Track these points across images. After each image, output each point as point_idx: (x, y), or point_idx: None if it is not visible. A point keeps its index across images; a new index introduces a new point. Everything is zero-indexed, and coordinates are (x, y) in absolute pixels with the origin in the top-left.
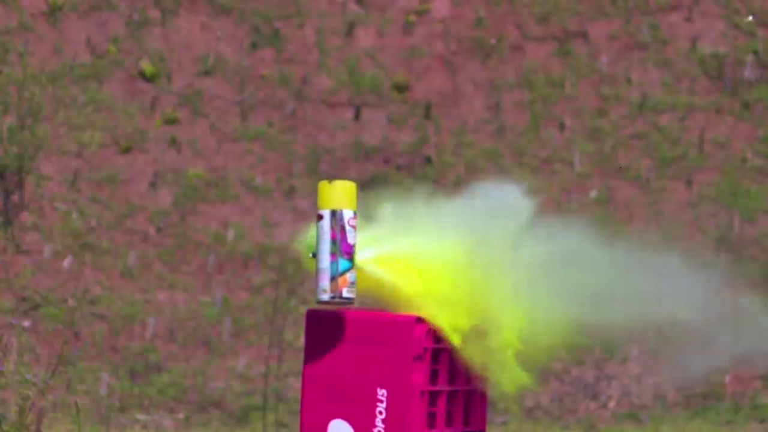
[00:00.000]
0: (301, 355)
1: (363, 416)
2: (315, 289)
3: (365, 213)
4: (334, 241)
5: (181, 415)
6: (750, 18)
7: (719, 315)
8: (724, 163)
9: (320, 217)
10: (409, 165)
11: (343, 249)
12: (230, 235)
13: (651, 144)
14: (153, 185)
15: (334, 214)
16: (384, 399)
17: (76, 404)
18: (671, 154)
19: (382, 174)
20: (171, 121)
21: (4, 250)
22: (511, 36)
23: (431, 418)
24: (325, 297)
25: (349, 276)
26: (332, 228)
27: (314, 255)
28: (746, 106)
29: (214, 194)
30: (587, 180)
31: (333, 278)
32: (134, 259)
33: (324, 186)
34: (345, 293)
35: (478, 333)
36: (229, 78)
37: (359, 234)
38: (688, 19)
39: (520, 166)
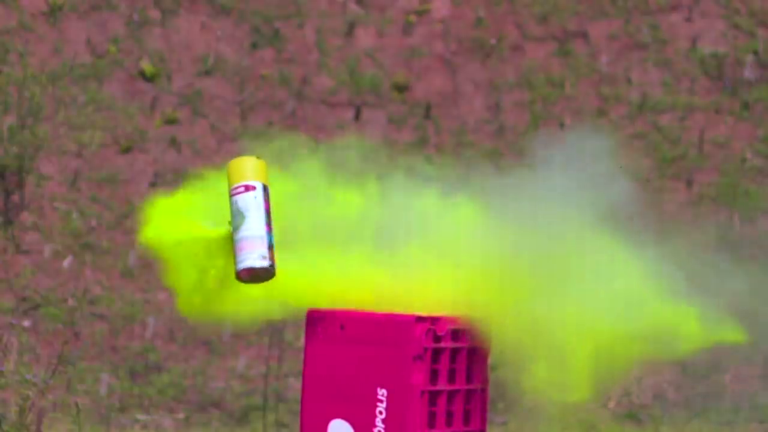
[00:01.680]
0: (301, 355)
1: (363, 416)
2: (241, 257)
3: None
4: (267, 212)
5: (181, 415)
6: None
7: None
8: (724, 163)
9: (249, 188)
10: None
11: (271, 222)
12: None
13: (651, 144)
14: (153, 185)
15: (265, 189)
16: (384, 399)
17: (76, 404)
18: (671, 154)
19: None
20: (171, 121)
21: (4, 250)
22: (511, 36)
23: (431, 418)
24: (266, 263)
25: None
26: (265, 200)
27: (234, 228)
28: (746, 106)
29: None
30: None
31: (270, 247)
32: (134, 259)
33: (251, 160)
34: (275, 263)
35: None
36: (229, 78)
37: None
38: (688, 19)
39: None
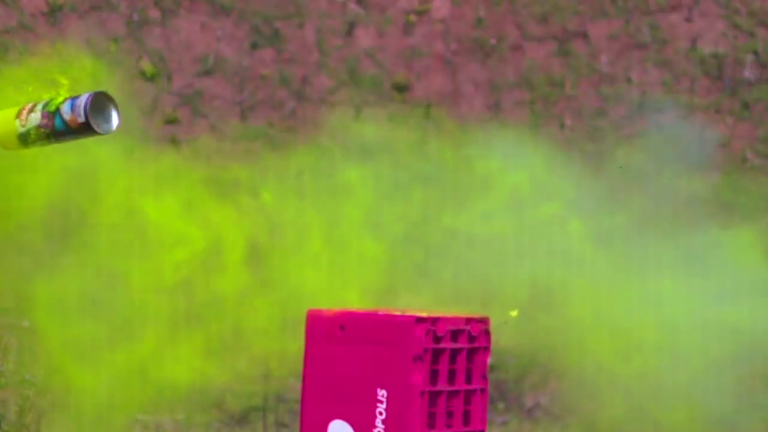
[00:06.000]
0: (301, 355)
1: (363, 416)
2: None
3: None
4: None
5: (181, 416)
6: None
7: None
8: (724, 163)
9: None
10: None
11: None
12: None
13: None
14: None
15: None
16: (384, 399)
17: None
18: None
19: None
20: (171, 121)
21: None
22: (511, 36)
23: (431, 418)
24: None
25: None
26: None
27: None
28: (746, 106)
29: None
30: None
31: None
32: None
33: None
34: None
35: None
36: (229, 78)
37: None
38: (688, 19)
39: None
